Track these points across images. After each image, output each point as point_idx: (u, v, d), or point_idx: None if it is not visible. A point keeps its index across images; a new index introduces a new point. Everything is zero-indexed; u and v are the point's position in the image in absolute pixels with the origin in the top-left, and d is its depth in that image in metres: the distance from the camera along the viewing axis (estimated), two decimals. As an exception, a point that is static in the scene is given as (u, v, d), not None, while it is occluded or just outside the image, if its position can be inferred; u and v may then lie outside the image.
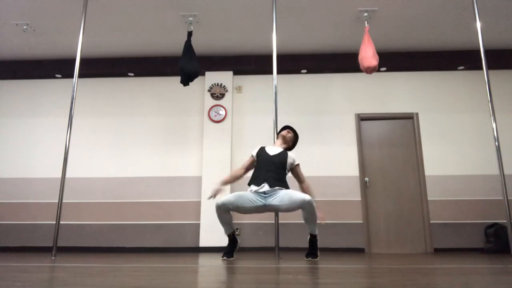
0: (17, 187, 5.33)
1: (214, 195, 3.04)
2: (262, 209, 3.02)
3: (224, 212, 2.95)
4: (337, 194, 5.10)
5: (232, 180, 3.18)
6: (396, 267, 2.32)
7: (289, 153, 3.24)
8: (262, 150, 3.25)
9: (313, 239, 3.06)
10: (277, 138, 3.42)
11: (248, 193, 3.03)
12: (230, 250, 3.12)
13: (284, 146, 3.34)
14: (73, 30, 4.83)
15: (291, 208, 2.93)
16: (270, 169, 3.07)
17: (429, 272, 1.90)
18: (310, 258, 2.99)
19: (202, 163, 5.22)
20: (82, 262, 2.81)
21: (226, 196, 2.99)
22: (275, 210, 3.04)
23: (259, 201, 2.99)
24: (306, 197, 2.87)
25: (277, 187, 3.01)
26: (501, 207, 4.96)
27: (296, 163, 3.25)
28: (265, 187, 3.00)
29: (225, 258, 3.08)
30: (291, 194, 2.92)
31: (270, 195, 3.00)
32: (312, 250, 3.06)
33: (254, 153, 3.29)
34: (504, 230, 4.53)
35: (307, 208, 2.88)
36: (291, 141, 3.37)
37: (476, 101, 5.36)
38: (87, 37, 5.00)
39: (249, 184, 3.12)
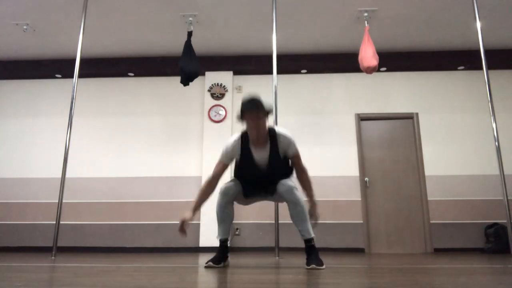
0: (17, 187, 5.33)
1: (183, 230, 2.28)
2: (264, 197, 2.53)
3: (229, 203, 2.38)
4: (337, 194, 5.10)
5: (202, 202, 2.40)
6: (396, 267, 2.32)
7: (279, 139, 2.31)
8: (245, 149, 2.35)
9: (309, 244, 2.26)
10: (249, 131, 2.32)
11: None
12: (219, 257, 2.40)
13: (263, 139, 2.32)
14: (73, 30, 4.83)
15: (279, 198, 2.43)
16: (265, 180, 2.41)
17: (429, 272, 1.90)
18: (313, 266, 2.16)
19: (202, 163, 5.22)
20: (82, 262, 2.81)
21: (230, 181, 2.43)
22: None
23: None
24: (289, 183, 2.27)
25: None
26: (501, 207, 4.95)
27: (292, 152, 2.36)
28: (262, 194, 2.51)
29: (210, 263, 2.34)
30: (282, 182, 2.33)
31: None
32: (313, 256, 2.24)
33: (228, 159, 2.41)
34: (504, 230, 4.53)
35: (289, 199, 2.25)
36: (265, 124, 2.29)
37: (476, 101, 5.36)
38: (87, 37, 5.00)
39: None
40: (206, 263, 2.38)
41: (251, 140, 2.34)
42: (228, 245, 2.49)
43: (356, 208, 5.05)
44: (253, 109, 2.22)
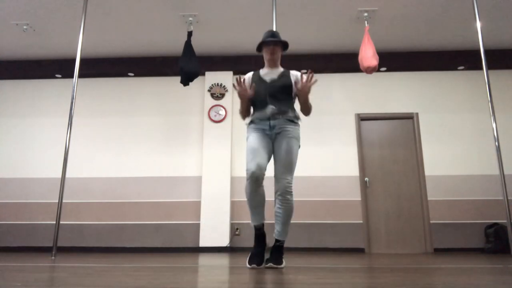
0: (17, 187, 5.33)
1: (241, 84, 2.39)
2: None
3: (260, 185, 2.28)
4: (337, 194, 5.10)
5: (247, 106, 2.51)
6: (396, 267, 2.32)
7: (291, 72, 2.55)
8: (256, 77, 2.54)
9: (279, 244, 2.37)
10: (266, 62, 2.58)
11: (255, 137, 2.39)
12: (260, 251, 2.31)
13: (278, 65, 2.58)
14: (73, 30, 4.83)
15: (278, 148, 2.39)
16: (271, 95, 2.43)
17: (429, 272, 1.90)
18: (271, 264, 2.26)
19: (202, 163, 5.22)
20: (82, 262, 2.81)
21: (249, 158, 2.31)
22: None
23: (267, 136, 2.41)
24: (288, 182, 2.31)
25: (285, 117, 2.41)
26: (501, 207, 4.95)
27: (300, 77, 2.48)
28: (270, 109, 2.41)
29: (254, 265, 2.25)
30: (289, 150, 2.35)
31: (276, 127, 2.40)
32: (276, 255, 2.33)
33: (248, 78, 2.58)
34: (504, 230, 4.53)
35: (281, 199, 2.32)
36: (279, 54, 2.57)
37: (476, 101, 5.36)
38: (87, 37, 5.00)
39: (250, 122, 2.50)
40: (250, 264, 2.26)
41: (265, 67, 2.58)
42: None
43: (356, 208, 5.05)
44: (270, 41, 2.48)
